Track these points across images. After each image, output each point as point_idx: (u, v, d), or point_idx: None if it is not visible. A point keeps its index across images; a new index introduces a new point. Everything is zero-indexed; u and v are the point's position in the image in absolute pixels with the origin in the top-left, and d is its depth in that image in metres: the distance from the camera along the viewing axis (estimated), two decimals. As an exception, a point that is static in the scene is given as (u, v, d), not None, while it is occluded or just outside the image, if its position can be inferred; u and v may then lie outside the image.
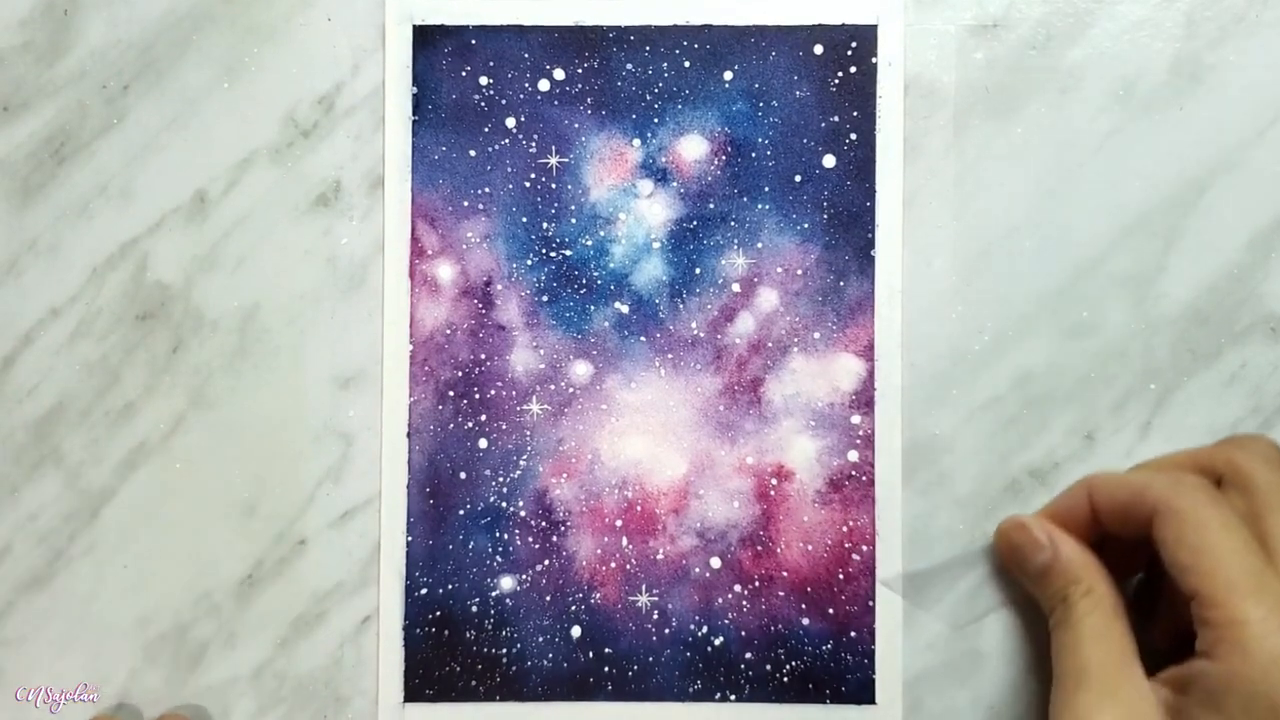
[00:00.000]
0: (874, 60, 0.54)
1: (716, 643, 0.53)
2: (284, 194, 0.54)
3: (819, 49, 0.54)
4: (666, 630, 0.53)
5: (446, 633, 0.54)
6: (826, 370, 0.54)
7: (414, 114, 0.54)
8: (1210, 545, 0.40)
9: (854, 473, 0.53)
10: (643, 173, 0.54)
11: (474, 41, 0.54)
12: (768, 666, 0.53)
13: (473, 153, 0.54)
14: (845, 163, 0.54)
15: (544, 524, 0.54)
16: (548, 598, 0.54)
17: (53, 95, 0.54)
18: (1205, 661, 0.40)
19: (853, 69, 0.54)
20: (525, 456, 0.54)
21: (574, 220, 0.54)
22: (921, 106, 0.54)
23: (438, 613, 0.54)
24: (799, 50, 0.54)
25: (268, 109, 0.54)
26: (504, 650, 0.54)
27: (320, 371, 0.54)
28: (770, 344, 0.54)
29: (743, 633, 0.53)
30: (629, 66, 0.54)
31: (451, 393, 0.54)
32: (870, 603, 0.53)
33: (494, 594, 0.54)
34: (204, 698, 0.54)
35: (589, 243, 0.54)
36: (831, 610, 0.53)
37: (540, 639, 0.54)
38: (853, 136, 0.54)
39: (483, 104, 0.54)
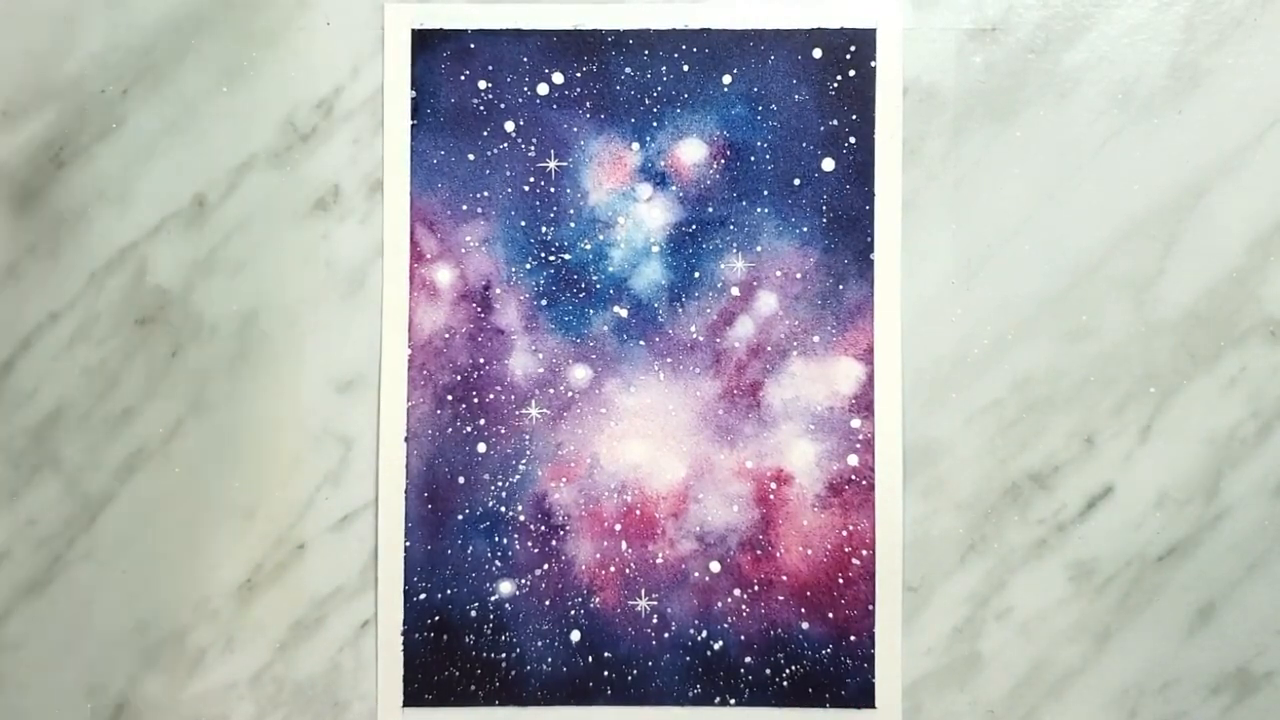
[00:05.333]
0: (873, 64, 0.53)
1: (716, 647, 0.53)
2: (283, 198, 0.54)
3: (818, 53, 0.54)
4: (666, 634, 0.53)
5: (445, 637, 0.53)
6: (826, 374, 0.54)
7: (413, 118, 0.54)
8: None
9: (854, 476, 0.53)
10: (642, 176, 0.54)
11: (473, 45, 0.54)
12: (767, 671, 0.53)
13: (471, 156, 0.54)
14: (844, 166, 0.53)
15: (543, 528, 0.54)
16: (547, 602, 0.53)
17: (52, 99, 0.54)
18: None
19: (851, 73, 0.54)
20: (524, 460, 0.54)
21: (573, 224, 0.54)
22: (920, 110, 0.54)
23: (437, 617, 0.53)
24: (798, 54, 0.54)
25: (267, 113, 0.54)
26: (503, 655, 0.53)
27: (319, 375, 0.54)
28: (769, 348, 0.54)
29: (742, 637, 0.53)
30: (628, 70, 0.54)
31: (450, 397, 0.54)
32: (870, 607, 0.53)
33: (493, 598, 0.53)
34: (202, 703, 0.54)
35: (588, 246, 0.54)
36: (831, 614, 0.53)
37: (539, 643, 0.53)
38: (851, 140, 0.53)
39: (481, 108, 0.54)
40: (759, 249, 0.54)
